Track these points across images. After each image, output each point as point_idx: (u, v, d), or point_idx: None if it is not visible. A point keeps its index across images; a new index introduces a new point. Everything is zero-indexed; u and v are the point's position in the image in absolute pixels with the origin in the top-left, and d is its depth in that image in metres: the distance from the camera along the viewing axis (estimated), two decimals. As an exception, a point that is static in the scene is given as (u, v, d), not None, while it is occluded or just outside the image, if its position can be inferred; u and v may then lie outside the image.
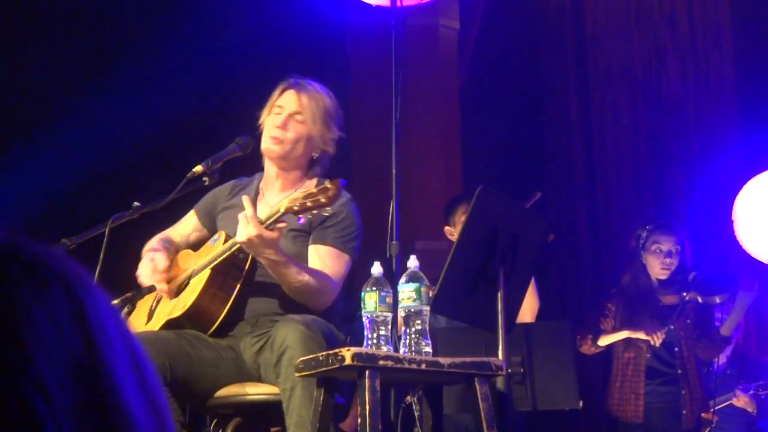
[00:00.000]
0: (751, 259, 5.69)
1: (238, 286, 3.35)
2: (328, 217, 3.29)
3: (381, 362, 2.75)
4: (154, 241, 3.64)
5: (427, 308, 2.92)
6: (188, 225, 3.72)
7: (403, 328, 2.92)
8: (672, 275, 5.19)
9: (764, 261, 5.64)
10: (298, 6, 5.71)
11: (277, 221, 3.15)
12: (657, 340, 5.00)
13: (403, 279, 2.96)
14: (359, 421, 2.76)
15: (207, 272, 3.35)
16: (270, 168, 3.56)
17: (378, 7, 4.23)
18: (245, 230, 3.13)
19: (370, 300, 2.88)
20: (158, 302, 3.57)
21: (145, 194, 3.55)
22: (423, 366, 2.81)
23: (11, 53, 5.44)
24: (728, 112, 6.90)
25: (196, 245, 3.67)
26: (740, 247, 5.71)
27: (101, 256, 3.25)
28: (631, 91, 7.11)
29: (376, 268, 2.95)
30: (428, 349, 2.89)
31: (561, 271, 6.85)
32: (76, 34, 5.58)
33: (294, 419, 3.04)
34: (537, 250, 3.36)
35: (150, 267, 3.48)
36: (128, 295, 3.38)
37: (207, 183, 3.48)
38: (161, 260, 3.49)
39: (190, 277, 3.47)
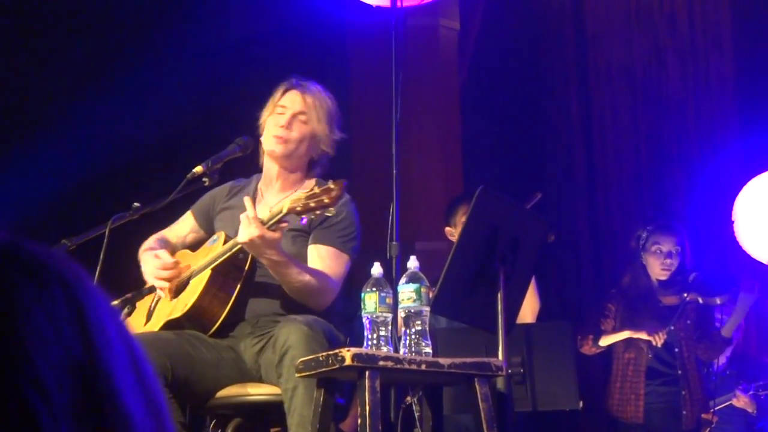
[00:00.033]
0: (751, 260, 5.69)
1: (239, 286, 3.35)
2: (328, 218, 3.29)
3: (381, 363, 2.74)
4: (150, 242, 3.64)
5: (427, 309, 2.92)
6: (185, 226, 3.71)
7: (403, 329, 2.92)
8: (672, 276, 5.19)
9: (764, 262, 5.64)
10: (298, 6, 5.71)
11: (279, 222, 3.15)
12: (659, 340, 5.00)
13: (403, 280, 2.96)
14: (359, 421, 2.76)
15: (207, 273, 3.34)
16: (271, 168, 3.56)
17: (378, 7, 4.23)
18: (247, 231, 3.13)
19: (370, 301, 2.87)
20: (157, 303, 3.57)
21: (145, 195, 3.55)
22: (423, 366, 2.81)
23: (11, 54, 5.44)
24: (728, 112, 6.90)
25: (192, 246, 3.67)
26: (740, 247, 5.71)
27: (101, 256, 3.25)
28: (631, 91, 7.12)
29: (376, 269, 2.95)
30: (428, 349, 2.89)
31: (561, 272, 6.85)
32: (76, 35, 5.58)
33: (296, 419, 3.05)
34: (537, 250, 3.36)
35: (156, 264, 3.46)
36: (128, 295, 3.39)
37: (207, 183, 3.48)
38: (167, 255, 3.48)
39: (189, 278, 3.47)
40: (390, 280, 3.11)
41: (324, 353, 2.85)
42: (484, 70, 6.90)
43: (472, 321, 3.33)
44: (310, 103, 3.53)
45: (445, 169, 6.20)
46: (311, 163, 3.58)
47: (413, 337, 2.88)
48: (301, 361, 2.91)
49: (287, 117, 3.50)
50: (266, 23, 5.75)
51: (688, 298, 5.08)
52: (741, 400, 5.56)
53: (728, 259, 5.90)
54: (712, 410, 5.16)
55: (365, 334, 2.89)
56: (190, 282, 3.44)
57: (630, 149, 7.07)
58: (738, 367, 5.73)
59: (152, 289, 3.43)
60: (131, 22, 5.74)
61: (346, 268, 3.41)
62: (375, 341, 2.86)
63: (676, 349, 5.14)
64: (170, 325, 3.38)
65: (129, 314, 3.40)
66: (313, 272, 3.29)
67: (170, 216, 3.73)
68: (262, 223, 3.15)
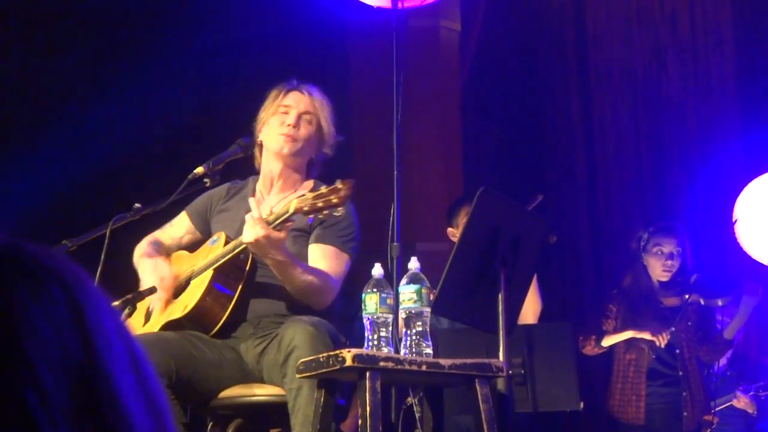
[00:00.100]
0: (752, 261, 5.69)
1: (240, 286, 3.36)
2: (328, 217, 3.30)
3: (382, 363, 2.74)
4: (145, 246, 3.63)
5: (428, 310, 2.92)
6: (180, 227, 3.70)
7: (403, 330, 2.92)
8: (673, 277, 5.18)
9: (765, 263, 5.64)
10: (299, 8, 5.71)
11: (285, 221, 3.16)
12: (662, 341, 4.99)
13: (403, 280, 2.96)
14: (360, 422, 2.76)
15: (209, 273, 3.34)
16: (273, 168, 3.57)
17: (379, 8, 4.23)
18: (252, 231, 3.14)
19: (371, 301, 2.87)
20: (154, 306, 3.57)
21: (146, 196, 3.54)
22: (424, 367, 2.81)
23: (12, 54, 5.44)
24: (729, 113, 6.90)
25: (187, 247, 3.66)
26: (741, 249, 5.71)
27: (102, 257, 3.25)
28: (631, 92, 7.12)
29: (377, 270, 2.95)
30: (429, 350, 2.89)
31: (562, 273, 6.85)
32: (77, 36, 5.58)
33: (300, 419, 3.05)
34: (538, 251, 3.36)
35: (156, 276, 3.47)
36: (129, 296, 3.38)
37: (208, 184, 3.48)
38: (165, 269, 3.48)
39: (189, 279, 3.47)
40: (391, 281, 3.11)
41: (325, 354, 2.85)
42: (484, 71, 6.90)
43: (473, 322, 3.33)
44: (316, 104, 3.57)
45: (446, 170, 6.20)
46: (309, 164, 3.60)
47: (414, 337, 2.88)
48: (302, 362, 2.91)
49: (294, 116, 3.51)
50: (267, 24, 5.75)
51: (689, 300, 5.07)
52: (741, 401, 5.56)
53: (729, 260, 5.90)
54: (712, 411, 5.16)
55: (366, 334, 2.88)
56: (191, 283, 3.44)
57: (630, 149, 7.07)
58: (738, 368, 5.73)
59: (153, 290, 3.43)
60: (132, 23, 5.75)
61: (347, 267, 3.43)
62: (376, 342, 2.86)
63: (677, 351, 5.14)
64: (170, 326, 3.38)
65: (129, 315, 3.40)
66: (316, 272, 3.30)
67: (171, 217, 3.73)
68: (268, 223, 3.15)
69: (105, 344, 0.77)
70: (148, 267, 3.50)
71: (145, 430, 0.77)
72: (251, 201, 3.25)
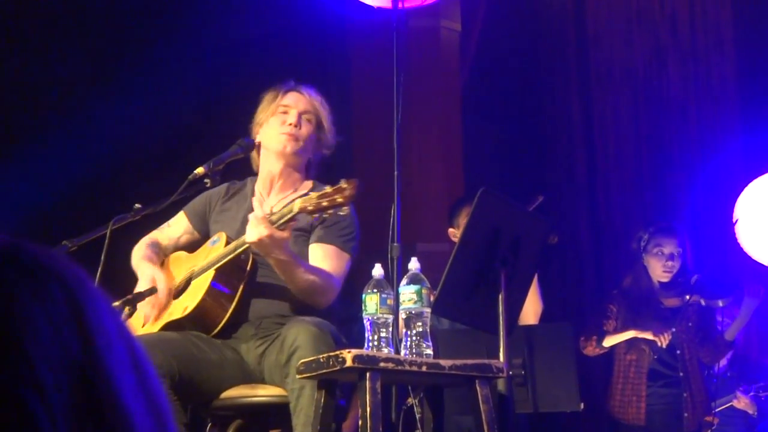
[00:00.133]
0: (752, 261, 5.69)
1: (242, 287, 3.36)
2: (329, 217, 3.30)
3: (382, 364, 2.74)
4: (143, 247, 3.63)
5: (428, 310, 2.92)
6: (178, 228, 3.70)
7: (404, 330, 2.92)
8: (674, 278, 5.18)
9: (765, 263, 5.64)
10: (299, 8, 5.71)
11: (288, 221, 3.16)
12: (664, 341, 4.99)
13: (404, 281, 2.95)
14: (360, 423, 2.76)
15: (211, 273, 3.34)
16: (274, 167, 3.57)
17: (379, 8, 4.23)
18: (256, 230, 3.14)
19: (371, 302, 2.87)
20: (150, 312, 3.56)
21: (147, 196, 3.54)
22: (424, 368, 2.81)
23: (13, 55, 5.44)
24: (730, 113, 6.90)
25: (184, 248, 3.66)
26: (741, 249, 5.71)
27: (102, 258, 3.25)
28: (632, 92, 7.12)
29: (377, 270, 2.95)
30: (429, 351, 2.89)
31: (562, 273, 6.85)
32: (78, 37, 5.58)
33: (302, 419, 3.05)
34: (538, 252, 3.35)
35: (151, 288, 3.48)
36: (129, 296, 3.38)
37: (209, 185, 3.48)
38: (162, 283, 3.48)
39: (190, 279, 3.47)
40: (391, 282, 3.11)
41: (325, 355, 2.84)
42: (485, 71, 6.90)
43: (473, 322, 3.32)
44: (315, 104, 3.58)
45: (447, 170, 6.20)
46: (308, 164, 3.61)
47: (414, 338, 2.88)
48: (302, 362, 2.91)
49: (295, 115, 3.52)
50: (268, 25, 5.75)
51: (690, 300, 5.07)
52: (741, 402, 5.56)
53: (729, 260, 5.90)
54: (713, 412, 5.15)
55: (366, 335, 2.88)
56: (192, 283, 3.44)
57: (631, 150, 7.07)
58: (739, 368, 5.73)
59: (153, 291, 3.43)
60: (132, 24, 5.75)
61: (347, 267, 3.43)
62: (376, 342, 2.86)
63: (678, 351, 5.14)
64: (170, 326, 3.38)
65: (130, 315, 3.39)
66: (318, 271, 3.31)
67: (171, 217, 3.73)
68: (271, 222, 3.15)
69: (105, 344, 0.77)
70: (146, 275, 3.50)
71: (146, 430, 0.77)
72: (254, 200, 3.25)
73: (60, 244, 3.40)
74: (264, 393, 3.29)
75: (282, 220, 3.16)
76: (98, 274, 3.19)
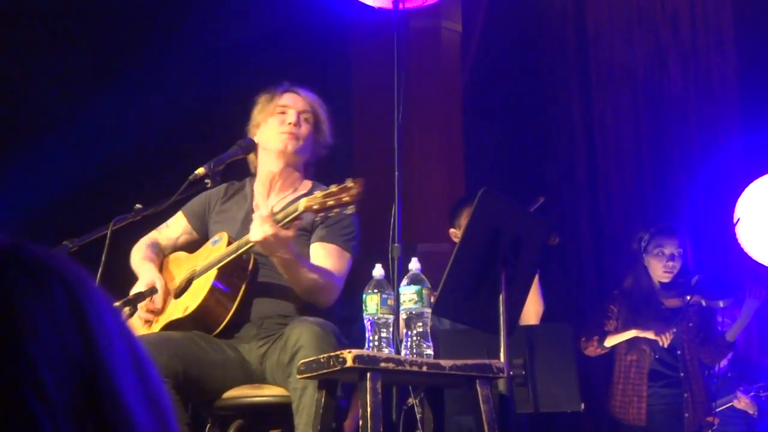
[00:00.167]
0: (753, 261, 5.69)
1: (244, 287, 3.36)
2: (329, 216, 3.31)
3: (382, 364, 2.74)
4: (143, 248, 3.63)
5: (429, 310, 2.92)
6: (176, 228, 3.70)
7: (404, 331, 2.92)
8: (674, 278, 5.18)
9: (766, 264, 5.64)
10: (300, 8, 5.71)
11: (294, 220, 3.17)
12: (666, 340, 4.99)
13: (404, 281, 2.96)
14: (360, 423, 2.76)
15: (213, 273, 3.34)
16: (274, 167, 3.57)
17: (380, 9, 4.23)
18: (261, 229, 3.14)
19: (372, 302, 2.87)
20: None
21: (147, 196, 3.54)
22: (424, 368, 2.81)
23: (14, 56, 5.44)
24: (730, 113, 6.89)
25: (183, 248, 3.66)
26: (742, 249, 5.71)
27: (103, 258, 3.25)
28: (632, 92, 7.11)
29: (378, 271, 2.95)
30: (429, 351, 2.89)
31: (563, 273, 6.84)
32: (78, 37, 5.58)
33: (304, 419, 3.05)
34: (539, 252, 3.35)
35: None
36: (130, 297, 3.38)
37: (209, 185, 3.48)
38: (163, 284, 3.49)
39: (191, 279, 3.47)
40: (391, 282, 3.11)
41: (325, 355, 2.85)
42: (485, 71, 6.90)
43: (474, 322, 3.32)
44: (313, 104, 3.59)
45: (447, 171, 6.20)
46: (306, 164, 3.62)
47: (414, 338, 2.88)
48: (303, 363, 2.91)
49: (294, 114, 3.53)
50: (269, 25, 5.75)
51: (690, 301, 5.07)
52: (742, 402, 5.56)
53: (730, 261, 5.90)
54: (713, 412, 5.15)
55: (366, 335, 2.88)
56: (193, 283, 3.44)
57: (631, 150, 7.07)
58: (739, 369, 5.73)
59: (154, 291, 3.43)
60: (133, 24, 5.75)
61: (349, 266, 3.44)
62: (376, 343, 2.86)
63: (679, 352, 5.13)
64: (171, 326, 3.38)
65: (130, 315, 3.40)
66: (321, 270, 3.31)
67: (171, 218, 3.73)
68: (276, 221, 3.16)
69: (106, 344, 0.77)
70: (146, 275, 3.50)
71: (147, 429, 0.77)
72: (260, 199, 3.26)
73: (61, 245, 3.40)
74: (266, 393, 3.29)
75: (287, 219, 3.17)
76: (99, 274, 3.19)
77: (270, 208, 3.33)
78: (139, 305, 3.42)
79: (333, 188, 3.09)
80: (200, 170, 3.44)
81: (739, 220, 5.53)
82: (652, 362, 5.14)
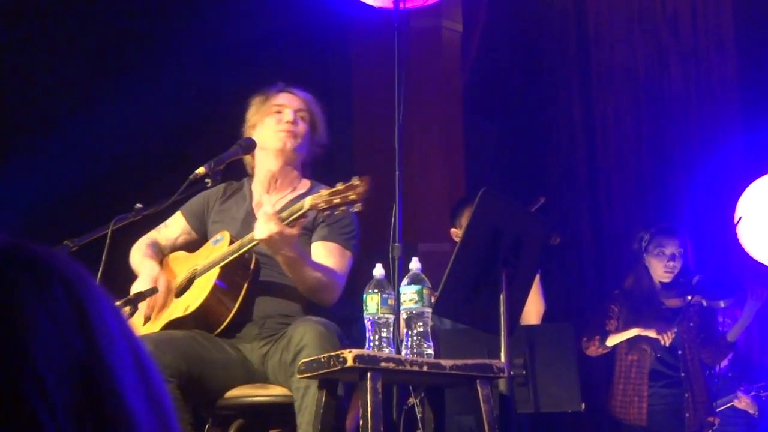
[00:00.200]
0: (753, 261, 5.69)
1: (246, 286, 3.36)
2: (330, 215, 3.31)
3: (383, 364, 2.74)
4: (143, 247, 3.63)
5: (429, 310, 2.92)
6: (175, 228, 3.70)
7: (404, 330, 2.92)
8: (675, 278, 5.18)
9: (766, 263, 5.64)
10: (300, 8, 5.71)
11: (299, 218, 3.17)
12: (667, 339, 4.99)
13: (405, 281, 2.96)
14: (360, 423, 2.76)
15: (215, 272, 3.34)
16: (272, 166, 3.57)
17: (381, 9, 4.23)
18: (266, 227, 3.15)
19: (372, 302, 2.87)
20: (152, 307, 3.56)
21: (148, 196, 3.54)
22: (425, 368, 2.81)
23: (15, 56, 5.44)
24: (731, 113, 6.89)
25: (182, 248, 3.66)
26: (743, 249, 5.71)
27: (104, 257, 3.25)
28: (633, 93, 7.11)
29: (378, 270, 2.95)
30: (430, 351, 2.88)
31: (564, 274, 6.84)
32: (79, 37, 5.58)
33: (306, 418, 3.05)
34: (540, 252, 3.35)
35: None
36: (130, 296, 3.38)
37: (209, 185, 3.48)
38: (163, 283, 3.49)
39: (192, 278, 3.46)
40: (392, 282, 3.11)
41: (326, 354, 2.85)
42: (486, 71, 6.90)
43: (475, 322, 3.32)
44: (308, 103, 3.60)
45: (448, 171, 6.20)
46: (303, 163, 3.62)
47: (415, 338, 2.88)
48: (303, 362, 2.91)
49: (290, 113, 3.54)
50: (269, 25, 5.75)
51: (691, 301, 5.07)
52: (742, 402, 5.56)
53: (731, 261, 5.89)
54: (714, 412, 5.15)
55: (367, 335, 2.88)
56: (195, 282, 3.44)
57: (632, 150, 7.06)
58: (740, 369, 5.73)
59: (155, 290, 3.43)
60: (133, 24, 5.75)
61: (350, 264, 3.44)
62: (377, 342, 2.86)
63: (680, 352, 5.13)
64: (172, 325, 3.37)
65: (131, 315, 3.40)
66: (324, 268, 3.32)
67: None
68: (281, 219, 3.16)
69: (107, 343, 0.77)
70: (147, 275, 3.50)
71: (148, 428, 0.77)
72: (264, 197, 3.27)
73: (61, 244, 3.40)
74: (268, 393, 3.29)
75: (292, 217, 3.17)
76: (99, 273, 3.19)
77: (273, 205, 3.33)
78: (140, 305, 3.42)
79: (339, 186, 3.09)
80: (200, 170, 3.44)
81: (740, 219, 5.53)
82: (653, 362, 5.13)
